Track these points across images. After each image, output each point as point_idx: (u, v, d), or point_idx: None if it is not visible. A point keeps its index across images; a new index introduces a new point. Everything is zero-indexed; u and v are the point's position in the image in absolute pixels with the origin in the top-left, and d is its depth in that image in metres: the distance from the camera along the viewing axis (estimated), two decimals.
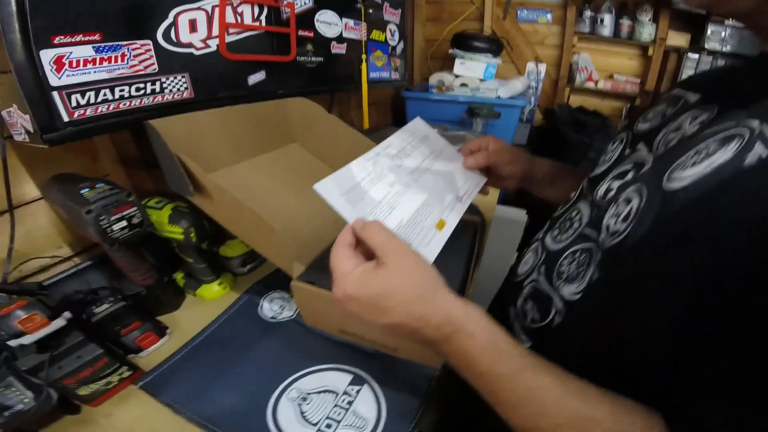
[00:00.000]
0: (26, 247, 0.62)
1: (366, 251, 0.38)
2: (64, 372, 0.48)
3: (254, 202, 0.49)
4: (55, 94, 0.46)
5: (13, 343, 0.47)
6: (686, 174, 0.30)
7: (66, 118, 0.47)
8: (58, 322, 0.49)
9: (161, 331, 0.59)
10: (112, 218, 0.49)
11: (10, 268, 0.59)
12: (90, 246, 0.70)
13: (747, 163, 0.26)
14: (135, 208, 0.52)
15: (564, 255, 0.44)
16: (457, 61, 1.61)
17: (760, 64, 0.36)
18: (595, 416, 0.31)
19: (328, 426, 0.47)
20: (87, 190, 0.50)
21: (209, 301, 0.68)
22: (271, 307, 0.67)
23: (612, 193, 0.41)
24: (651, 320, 0.33)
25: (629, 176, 0.40)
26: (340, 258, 0.37)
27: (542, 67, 1.89)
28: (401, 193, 0.46)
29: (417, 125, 0.60)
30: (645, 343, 0.35)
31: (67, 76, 0.47)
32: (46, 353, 0.48)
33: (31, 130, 0.47)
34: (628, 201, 0.36)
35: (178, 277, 0.70)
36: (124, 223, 0.51)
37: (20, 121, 0.49)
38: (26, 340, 0.47)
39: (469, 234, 0.68)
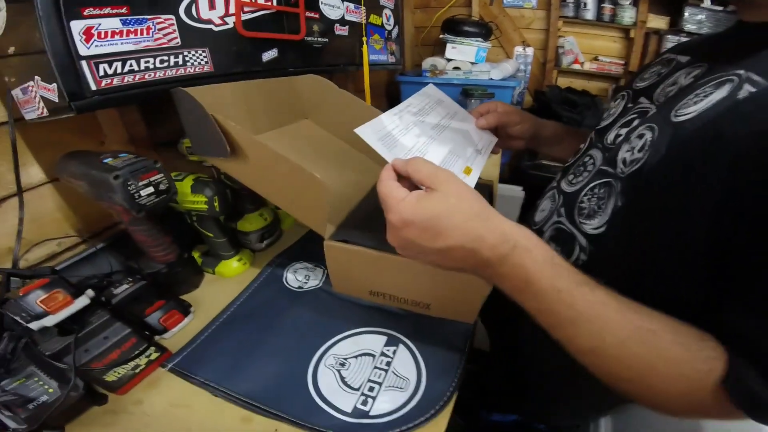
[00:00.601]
0: (32, 233, 0.60)
1: (408, 186, 0.38)
2: (92, 355, 0.46)
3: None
4: (83, 63, 0.47)
5: (34, 325, 0.44)
6: (690, 110, 0.35)
7: (93, 87, 0.48)
8: (82, 300, 0.47)
9: (185, 309, 0.57)
10: (140, 184, 0.48)
11: (20, 252, 0.56)
12: (99, 231, 0.68)
13: (740, 97, 0.31)
14: (162, 175, 0.50)
15: (583, 192, 0.47)
16: (449, 46, 1.62)
17: (738, 31, 0.42)
18: (655, 328, 0.32)
19: (371, 389, 0.46)
20: (110, 159, 0.48)
21: (229, 278, 0.66)
22: (296, 278, 0.66)
23: (621, 137, 0.45)
24: (675, 241, 0.36)
25: (636, 122, 0.44)
26: (391, 188, 0.37)
27: (530, 51, 1.92)
28: (428, 144, 0.48)
29: (431, 90, 0.62)
30: (672, 267, 0.37)
31: (96, 46, 0.48)
32: (69, 336, 0.46)
33: (56, 100, 0.47)
34: (641, 136, 0.40)
35: (195, 255, 0.68)
36: (151, 189, 0.49)
37: (40, 94, 0.48)
38: (49, 321, 0.44)
39: (486, 193, 0.69)
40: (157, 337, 0.54)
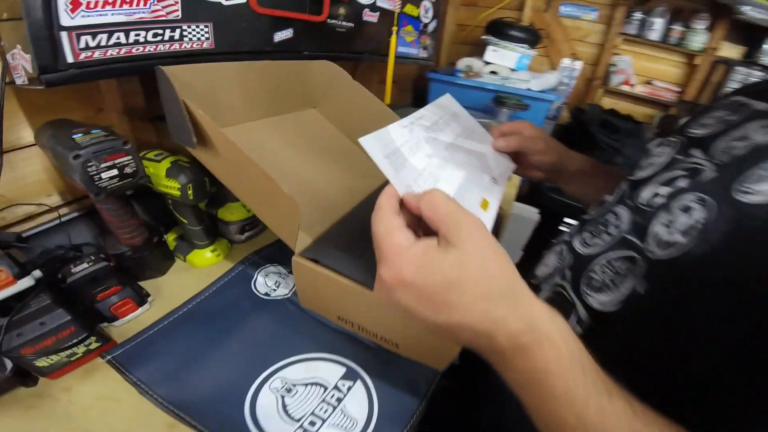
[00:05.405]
0: (15, 192, 0.58)
1: (413, 223, 0.31)
2: (24, 340, 0.43)
3: (261, 164, 0.43)
4: (63, 34, 0.43)
5: None
6: (764, 188, 0.27)
7: (70, 60, 0.44)
8: (26, 282, 0.44)
9: (142, 298, 0.53)
10: (102, 166, 0.44)
11: None
12: (80, 197, 0.66)
13: None
14: (129, 158, 0.46)
15: (597, 260, 0.40)
16: (490, 48, 1.52)
17: None
18: None
19: (312, 423, 0.42)
20: (80, 135, 0.44)
21: (199, 268, 0.63)
22: (266, 282, 0.62)
23: (660, 199, 0.36)
24: (701, 339, 0.29)
25: (682, 183, 0.36)
26: (392, 228, 0.29)
27: (578, 65, 1.78)
28: (441, 167, 0.41)
29: (447, 101, 0.55)
30: (692, 361, 0.30)
31: (82, 16, 0.44)
32: (4, 318, 0.42)
33: (30, 71, 0.44)
34: (687, 210, 0.32)
35: (170, 238, 0.65)
36: (114, 172, 0.46)
37: (21, 63, 0.45)
38: None
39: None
40: (106, 324, 0.51)
